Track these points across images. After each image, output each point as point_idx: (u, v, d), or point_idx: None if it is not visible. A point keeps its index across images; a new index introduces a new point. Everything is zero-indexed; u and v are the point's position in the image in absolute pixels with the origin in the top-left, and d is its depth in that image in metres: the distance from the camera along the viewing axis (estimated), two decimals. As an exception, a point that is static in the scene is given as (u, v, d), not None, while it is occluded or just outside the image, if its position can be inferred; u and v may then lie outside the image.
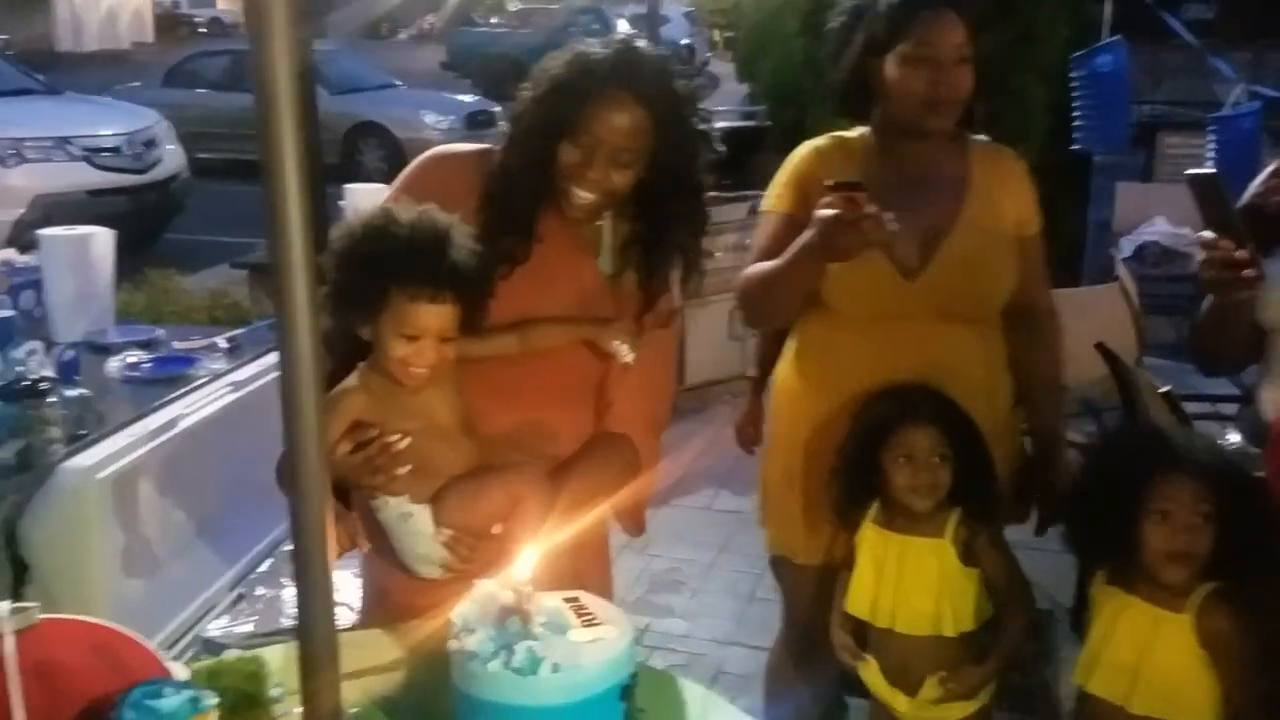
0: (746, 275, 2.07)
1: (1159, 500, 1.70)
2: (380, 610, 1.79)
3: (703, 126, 1.75)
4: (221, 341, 3.10)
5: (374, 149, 12.13)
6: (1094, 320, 4.13)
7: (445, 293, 1.57)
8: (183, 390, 2.77)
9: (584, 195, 1.68)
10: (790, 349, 2.25)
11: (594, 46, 1.71)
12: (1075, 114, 2.63)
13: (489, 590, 1.43)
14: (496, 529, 1.65)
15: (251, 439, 2.87)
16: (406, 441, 1.60)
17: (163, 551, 2.56)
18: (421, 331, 1.57)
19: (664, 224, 1.75)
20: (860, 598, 2.02)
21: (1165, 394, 2.82)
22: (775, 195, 2.16)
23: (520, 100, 1.73)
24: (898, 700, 2.03)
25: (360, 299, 1.57)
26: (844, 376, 2.11)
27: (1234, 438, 2.05)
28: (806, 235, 1.87)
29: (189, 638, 2.47)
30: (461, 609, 1.39)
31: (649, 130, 1.67)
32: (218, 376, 2.88)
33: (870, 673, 2.04)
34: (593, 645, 1.35)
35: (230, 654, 1.61)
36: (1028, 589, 2.02)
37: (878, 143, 2.12)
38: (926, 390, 1.98)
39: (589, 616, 1.42)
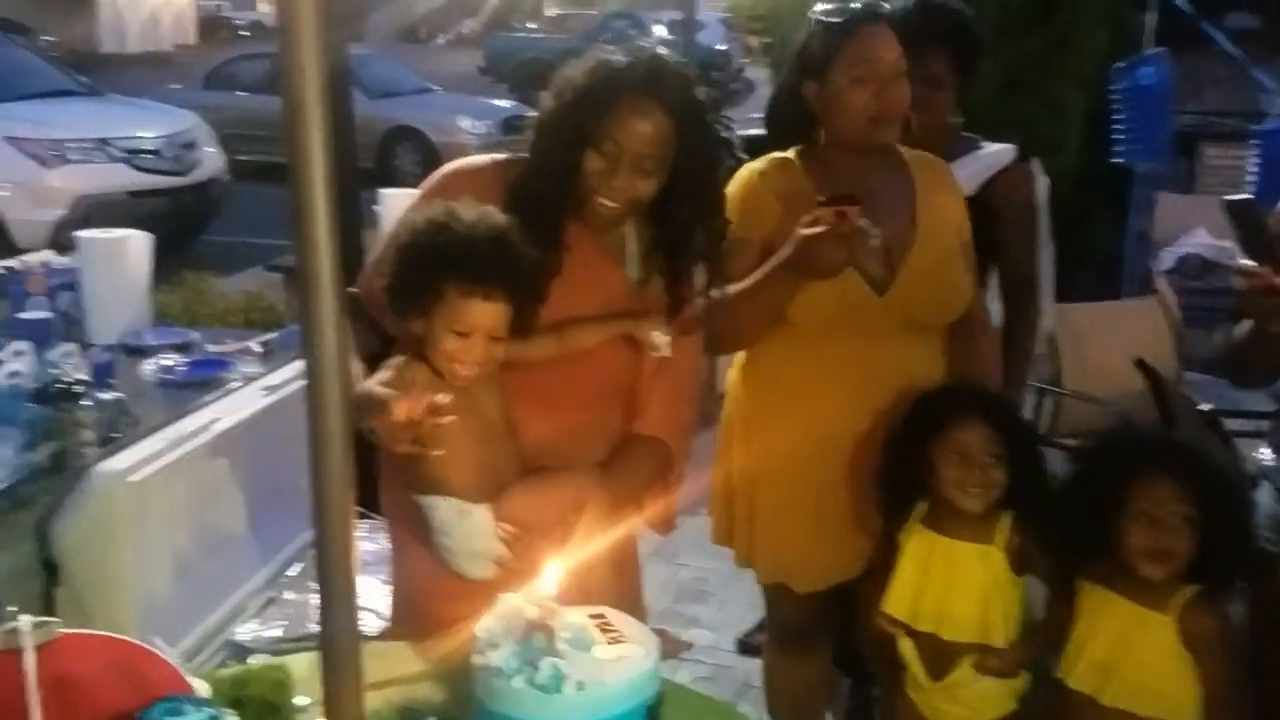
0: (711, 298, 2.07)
1: (1141, 500, 1.76)
2: (408, 620, 1.79)
3: (725, 134, 1.76)
4: (255, 345, 3.11)
5: (410, 153, 12.19)
6: (1131, 334, 4.06)
7: (498, 290, 1.59)
8: (217, 394, 2.78)
9: (609, 204, 1.68)
10: (742, 369, 2.23)
11: (616, 54, 1.72)
12: (1116, 126, 2.58)
13: (513, 605, 1.42)
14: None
15: (284, 443, 2.87)
16: (451, 419, 1.59)
17: (193, 555, 2.57)
18: (472, 328, 1.58)
19: (686, 230, 1.75)
20: (900, 599, 2.00)
21: (1205, 413, 2.77)
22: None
23: (543, 109, 1.74)
24: (929, 683, 2.01)
25: (416, 292, 1.60)
26: (805, 394, 2.12)
27: (1265, 452, 2.00)
28: (784, 253, 1.89)
29: (218, 641, 2.48)
30: (486, 623, 1.38)
31: (672, 137, 1.67)
32: (251, 380, 2.89)
33: (907, 648, 2.02)
34: (617, 663, 1.34)
35: (256, 661, 1.62)
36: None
37: (817, 162, 2.13)
38: (982, 390, 1.99)
39: (614, 634, 1.40)
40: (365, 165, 9.56)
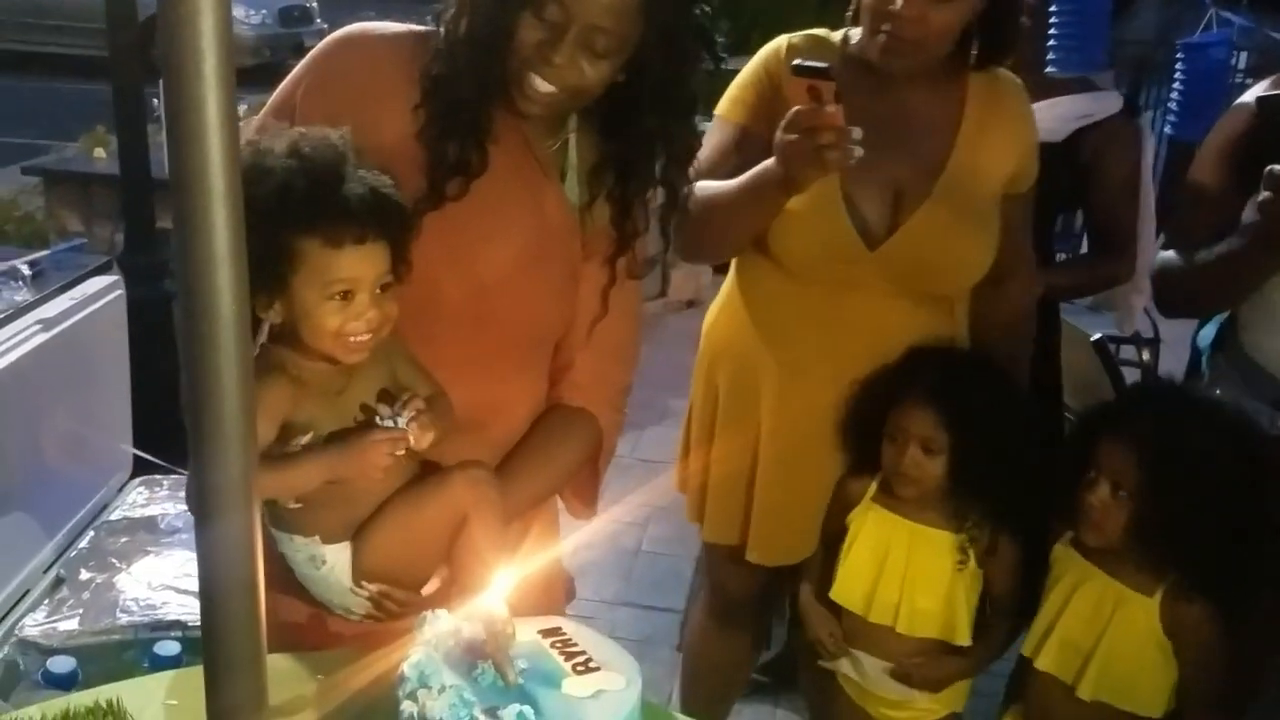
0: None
1: (1094, 464, 1.61)
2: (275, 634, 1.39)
3: (706, 26, 1.36)
4: (23, 267, 2.57)
5: (174, 43, 11.05)
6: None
7: (370, 227, 1.20)
8: (-24, 329, 2.25)
9: (543, 87, 1.28)
10: (727, 295, 1.93)
11: None
12: (1051, 33, 2.41)
13: (447, 626, 1.09)
14: (432, 585, 1.31)
15: (64, 389, 2.40)
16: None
17: (-41, 530, 2.08)
18: (354, 284, 1.20)
19: (645, 146, 1.37)
20: (852, 586, 1.76)
21: (1096, 343, 2.67)
22: (730, 100, 1.81)
23: None
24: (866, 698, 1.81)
25: (260, 266, 1.15)
26: (784, 340, 1.82)
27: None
28: (768, 163, 1.57)
29: (2, 633, 2.02)
30: (415, 658, 1.05)
31: (638, 14, 1.28)
32: (21, 311, 2.37)
33: (843, 668, 1.81)
34: (597, 702, 1.05)
35: (78, 699, 1.22)
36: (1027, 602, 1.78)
37: (854, 55, 1.75)
38: (942, 368, 1.70)
39: (580, 658, 1.10)
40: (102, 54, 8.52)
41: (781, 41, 1.80)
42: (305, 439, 1.21)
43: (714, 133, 1.80)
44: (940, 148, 1.74)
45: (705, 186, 1.70)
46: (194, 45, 0.72)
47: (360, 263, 1.20)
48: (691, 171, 1.53)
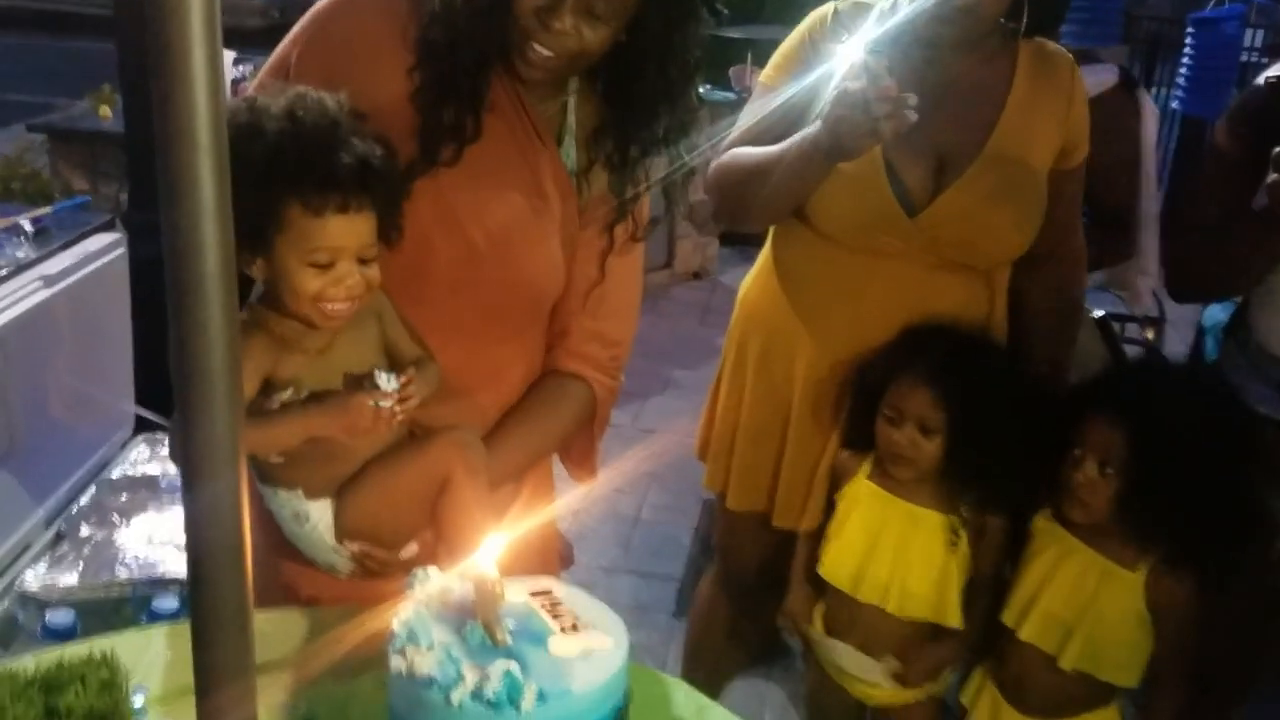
0: (726, 160, 1.71)
1: (1080, 441, 1.61)
2: (271, 593, 1.40)
3: None
4: (25, 223, 2.56)
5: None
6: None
7: (356, 196, 1.18)
8: (-22, 285, 2.25)
9: (543, 52, 1.27)
10: (763, 262, 1.91)
11: None
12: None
13: (437, 585, 1.10)
14: (411, 549, 1.31)
15: (65, 345, 2.40)
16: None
17: (-40, 484, 2.09)
18: (335, 253, 1.18)
19: (646, 109, 1.35)
20: (841, 564, 1.75)
21: (1099, 320, 2.66)
22: (774, 66, 1.79)
23: None
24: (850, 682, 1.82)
25: (245, 224, 1.14)
26: (817, 309, 1.80)
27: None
28: (814, 130, 1.54)
29: (2, 586, 2.04)
30: (405, 615, 1.05)
31: None
32: (23, 267, 2.37)
33: (827, 647, 1.82)
34: (584, 661, 1.05)
35: (72, 650, 1.23)
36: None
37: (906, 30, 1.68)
38: (944, 343, 1.67)
39: (566, 617, 1.11)
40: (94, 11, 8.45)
41: (827, 9, 1.77)
42: (285, 394, 1.21)
43: (757, 98, 1.78)
44: (987, 117, 1.70)
45: (748, 153, 1.69)
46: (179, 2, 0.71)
47: (342, 232, 1.18)
48: (734, 138, 1.48)
